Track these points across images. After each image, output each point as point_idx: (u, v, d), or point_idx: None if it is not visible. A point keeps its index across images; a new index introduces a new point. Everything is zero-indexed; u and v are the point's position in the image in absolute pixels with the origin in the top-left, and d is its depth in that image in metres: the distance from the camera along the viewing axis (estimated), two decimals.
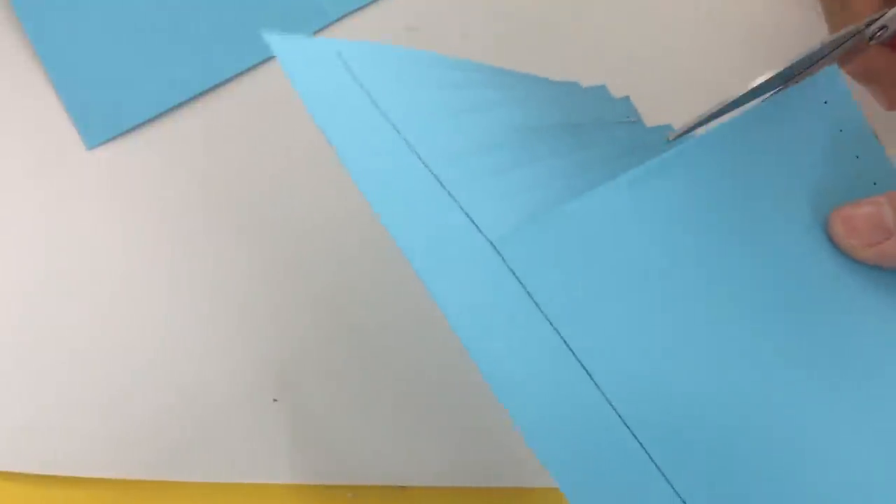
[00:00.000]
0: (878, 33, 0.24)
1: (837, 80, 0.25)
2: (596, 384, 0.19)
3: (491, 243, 0.20)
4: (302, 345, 0.32)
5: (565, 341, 0.20)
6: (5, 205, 0.33)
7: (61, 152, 0.34)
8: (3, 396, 0.31)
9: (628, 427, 0.19)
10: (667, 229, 0.22)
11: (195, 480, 0.31)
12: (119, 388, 0.31)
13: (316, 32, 0.35)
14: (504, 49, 0.35)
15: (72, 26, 0.35)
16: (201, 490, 0.31)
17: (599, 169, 0.24)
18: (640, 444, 0.19)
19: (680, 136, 0.25)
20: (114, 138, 0.34)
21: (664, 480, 0.19)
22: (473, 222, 0.20)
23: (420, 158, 0.21)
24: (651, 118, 0.33)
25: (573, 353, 0.20)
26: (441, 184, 0.21)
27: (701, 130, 0.25)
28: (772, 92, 0.25)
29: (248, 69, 0.35)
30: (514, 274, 0.20)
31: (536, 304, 0.20)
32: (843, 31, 0.24)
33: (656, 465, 0.19)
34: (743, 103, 0.24)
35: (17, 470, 0.31)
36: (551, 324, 0.20)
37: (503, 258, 0.20)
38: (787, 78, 0.24)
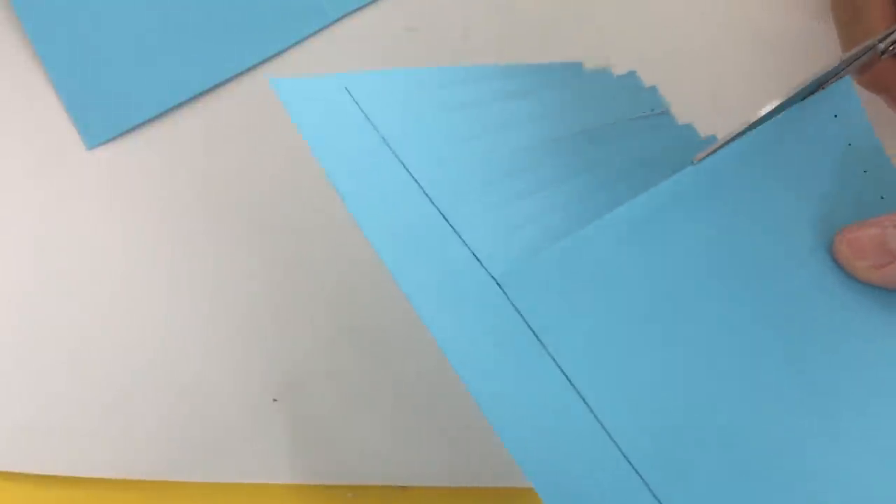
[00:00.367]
0: (892, 48, 0.25)
1: (850, 93, 0.24)
2: (599, 421, 0.19)
3: (494, 279, 0.20)
4: (302, 345, 0.32)
5: (569, 378, 0.20)
6: (5, 205, 0.33)
7: (61, 152, 0.34)
8: (3, 396, 0.31)
9: (632, 464, 0.19)
10: (670, 257, 0.22)
11: (195, 480, 0.31)
12: (119, 388, 0.31)
13: (316, 32, 0.35)
14: (505, 49, 0.35)
15: (72, 26, 0.35)
16: (201, 490, 0.31)
17: (613, 187, 0.23)
18: (646, 483, 0.19)
19: (706, 156, 0.25)
20: (114, 138, 0.34)
21: None
22: (477, 258, 0.20)
23: (426, 194, 0.21)
24: None
25: (576, 390, 0.19)
26: (446, 220, 0.21)
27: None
28: (785, 108, 0.25)
29: (249, 69, 0.35)
30: (517, 310, 0.20)
31: (540, 341, 0.20)
32: (856, 49, 0.24)
33: (659, 501, 0.19)
34: (765, 121, 0.24)
35: (17, 470, 0.31)
36: (555, 361, 0.20)
37: (506, 294, 0.20)
38: (805, 95, 0.24)
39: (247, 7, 0.35)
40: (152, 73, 0.34)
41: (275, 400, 0.32)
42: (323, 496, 0.31)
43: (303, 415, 0.31)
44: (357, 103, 0.22)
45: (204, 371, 0.32)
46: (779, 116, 0.24)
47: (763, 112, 0.24)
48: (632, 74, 0.28)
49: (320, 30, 0.35)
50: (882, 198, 0.24)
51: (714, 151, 0.24)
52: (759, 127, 0.24)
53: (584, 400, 0.19)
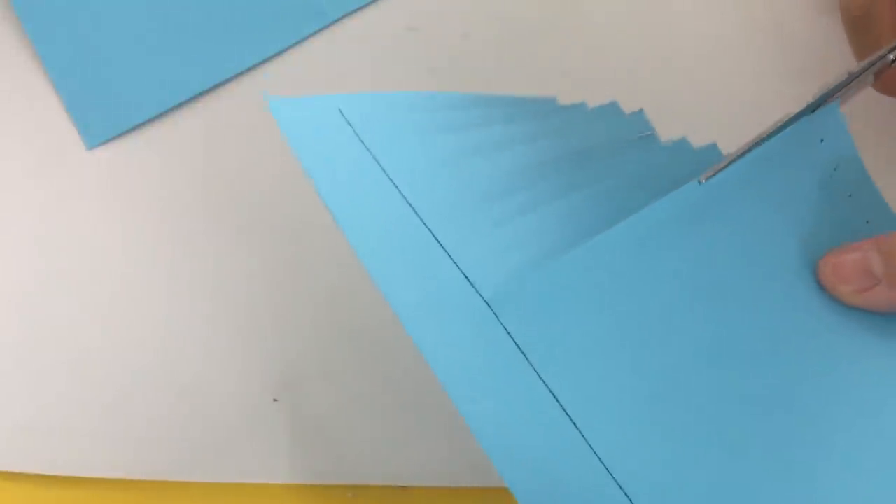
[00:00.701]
0: None
1: (836, 118, 0.25)
2: (587, 441, 0.19)
3: (485, 301, 0.20)
4: (303, 344, 0.32)
5: (558, 399, 0.20)
6: (5, 205, 0.33)
7: (61, 152, 0.34)
8: (3, 396, 0.31)
9: (619, 485, 0.19)
10: (658, 279, 0.22)
11: (195, 480, 0.31)
12: (119, 388, 0.31)
13: (316, 32, 0.35)
14: (505, 49, 0.35)
15: (72, 26, 0.35)
16: (201, 490, 0.31)
17: (605, 206, 0.24)
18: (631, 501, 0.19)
19: (713, 175, 0.25)
20: (114, 138, 0.34)
21: None
22: (468, 279, 0.20)
23: (418, 215, 0.21)
24: (659, 123, 0.33)
25: (565, 411, 0.20)
26: (438, 240, 0.21)
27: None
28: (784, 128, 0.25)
29: (249, 69, 0.35)
30: (507, 332, 0.20)
31: (529, 363, 0.20)
32: (867, 60, 0.25)
33: None
34: (775, 134, 0.24)
35: (17, 470, 0.31)
36: (544, 382, 0.20)
37: (496, 316, 0.20)
38: (815, 107, 0.25)
39: (247, 7, 0.35)
40: (152, 73, 0.34)
41: (275, 400, 0.32)
42: (323, 496, 0.31)
43: (303, 415, 0.31)
44: (350, 124, 0.22)
45: (204, 371, 0.32)
46: (768, 142, 0.24)
47: (761, 133, 0.24)
48: (613, 105, 0.28)
49: (320, 30, 0.35)
50: (867, 222, 0.25)
51: (724, 167, 0.24)
52: (748, 152, 0.24)
53: (572, 420, 0.20)
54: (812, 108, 0.24)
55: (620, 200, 0.23)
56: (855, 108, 0.28)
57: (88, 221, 0.33)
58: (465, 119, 0.25)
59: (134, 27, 0.35)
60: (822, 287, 0.23)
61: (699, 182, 0.23)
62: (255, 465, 0.31)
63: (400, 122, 0.23)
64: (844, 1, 0.30)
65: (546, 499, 0.19)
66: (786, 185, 0.24)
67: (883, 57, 0.25)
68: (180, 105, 0.34)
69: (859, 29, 0.30)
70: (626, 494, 0.19)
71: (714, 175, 0.23)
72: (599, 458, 0.19)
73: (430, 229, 0.21)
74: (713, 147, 0.26)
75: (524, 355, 0.20)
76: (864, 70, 0.25)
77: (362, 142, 0.22)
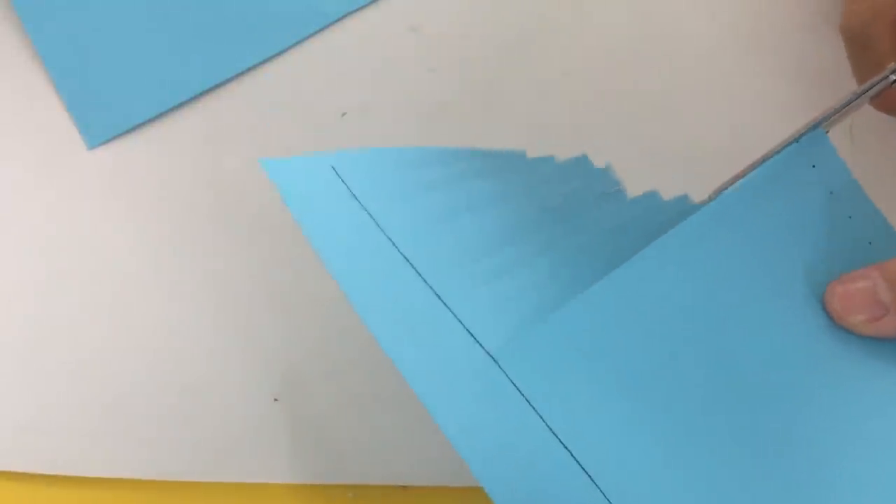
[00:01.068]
0: None
1: (824, 143, 0.25)
2: (601, 490, 0.20)
3: (490, 355, 0.21)
4: (303, 344, 0.32)
5: (569, 449, 0.20)
6: (6, 205, 0.33)
7: (62, 152, 0.34)
8: (3, 396, 0.31)
9: None
10: (660, 320, 0.22)
11: (195, 480, 0.31)
12: (120, 387, 0.31)
13: (316, 32, 0.35)
14: (505, 49, 0.35)
15: (73, 26, 0.35)
16: (201, 490, 0.31)
17: (594, 255, 0.24)
18: None
19: (717, 193, 0.25)
20: (115, 138, 0.34)
21: None
22: (471, 334, 0.21)
23: (418, 273, 0.21)
24: (658, 124, 0.33)
25: (577, 461, 0.20)
26: (439, 297, 0.21)
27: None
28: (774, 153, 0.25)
29: (249, 69, 0.35)
30: (514, 385, 0.20)
31: (538, 414, 0.20)
32: (868, 83, 0.25)
33: None
34: (764, 161, 0.25)
35: (17, 470, 0.31)
36: (553, 432, 0.20)
37: (502, 370, 0.20)
38: (801, 135, 0.25)
39: (247, 7, 0.35)
40: (153, 73, 0.34)
41: (275, 400, 0.32)
42: (323, 496, 0.31)
43: (303, 415, 0.31)
44: (343, 182, 0.22)
45: (204, 371, 0.32)
46: (759, 169, 0.24)
47: (752, 162, 0.24)
48: (582, 159, 0.29)
49: (320, 30, 0.35)
50: (870, 243, 0.25)
51: (726, 187, 0.24)
52: (742, 181, 0.24)
53: (584, 470, 0.20)
54: (798, 137, 0.25)
55: (606, 251, 0.24)
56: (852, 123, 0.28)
57: (89, 221, 0.33)
58: (447, 174, 0.25)
59: (134, 27, 0.35)
60: (829, 316, 0.23)
61: (701, 204, 0.23)
62: (255, 465, 0.31)
63: (390, 179, 0.24)
64: (844, 21, 0.30)
65: None
66: (782, 212, 0.24)
67: (884, 78, 0.25)
68: (180, 105, 0.34)
69: (859, 48, 0.30)
70: None
71: (709, 201, 0.24)
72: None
73: (429, 285, 0.21)
74: (683, 199, 0.26)
75: (533, 408, 0.20)
76: (866, 92, 0.25)
77: (357, 199, 0.22)
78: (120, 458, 0.31)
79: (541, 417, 0.20)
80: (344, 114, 0.34)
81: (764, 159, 0.24)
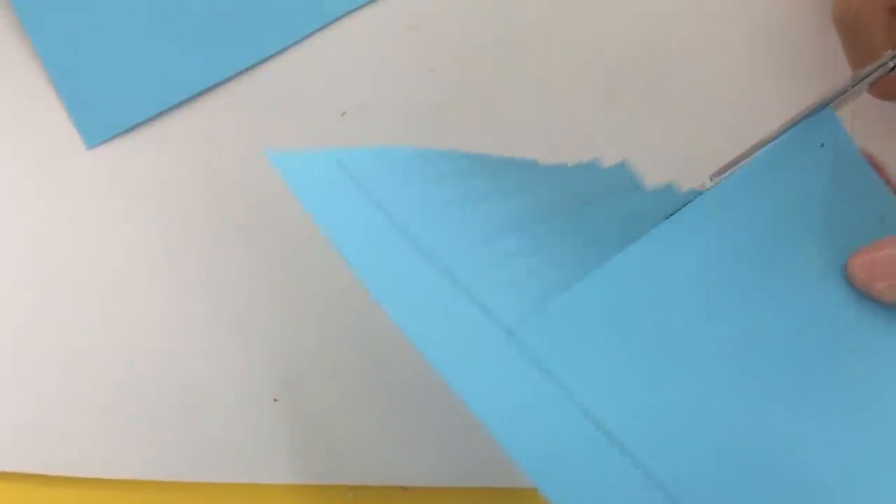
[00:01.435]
0: None
1: (834, 122, 0.25)
2: (630, 455, 0.20)
3: (508, 331, 0.21)
4: (303, 344, 0.32)
5: (593, 417, 0.20)
6: (5, 204, 0.33)
7: (61, 151, 0.34)
8: (3, 396, 0.31)
9: (670, 493, 0.19)
10: (681, 291, 0.22)
11: (195, 480, 0.31)
12: (119, 388, 0.31)
13: (316, 31, 0.35)
14: (505, 48, 0.35)
15: (72, 25, 0.34)
16: (201, 490, 0.31)
17: (611, 237, 0.24)
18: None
19: (719, 176, 0.25)
20: (114, 137, 0.34)
21: None
22: (489, 311, 0.21)
23: (430, 255, 0.21)
24: (658, 122, 0.33)
25: (603, 428, 0.20)
26: (453, 278, 0.21)
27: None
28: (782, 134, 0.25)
29: (248, 68, 0.35)
30: (534, 359, 0.20)
31: (561, 386, 0.20)
32: (869, 68, 0.25)
33: None
34: (773, 140, 0.25)
35: (17, 470, 0.31)
36: (578, 403, 0.20)
37: (522, 344, 0.21)
38: (810, 114, 0.25)
39: (247, 7, 0.35)
40: (152, 73, 0.34)
41: (275, 400, 0.32)
42: (323, 496, 0.31)
43: (303, 415, 0.31)
44: (350, 174, 0.23)
45: (204, 371, 0.32)
46: (770, 146, 0.25)
47: (761, 139, 0.24)
48: (594, 163, 0.29)
49: (320, 29, 0.35)
50: (882, 220, 0.25)
51: (727, 170, 0.24)
52: (753, 157, 0.24)
53: (612, 437, 0.20)
54: (807, 115, 0.25)
55: (623, 234, 0.24)
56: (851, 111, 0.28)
57: (88, 221, 0.33)
58: (461, 168, 0.25)
59: (134, 26, 0.35)
60: (852, 285, 0.23)
61: (709, 180, 0.23)
62: (255, 465, 0.31)
63: (397, 172, 0.24)
64: (836, 10, 0.30)
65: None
66: (796, 189, 0.25)
67: (882, 65, 0.25)
68: (180, 105, 0.34)
69: (851, 37, 0.30)
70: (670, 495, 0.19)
71: (720, 178, 0.24)
72: (646, 471, 0.20)
73: (445, 268, 0.21)
74: (695, 193, 0.26)
75: (555, 379, 0.20)
76: (864, 78, 0.25)
77: (364, 190, 0.22)
78: (119, 458, 0.31)
79: (564, 388, 0.20)
80: (343, 113, 0.34)
81: (771, 139, 0.25)
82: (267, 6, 0.35)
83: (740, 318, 0.22)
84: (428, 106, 0.34)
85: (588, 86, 0.35)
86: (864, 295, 0.23)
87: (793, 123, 0.25)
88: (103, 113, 0.34)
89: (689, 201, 0.24)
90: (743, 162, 0.25)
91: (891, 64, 0.25)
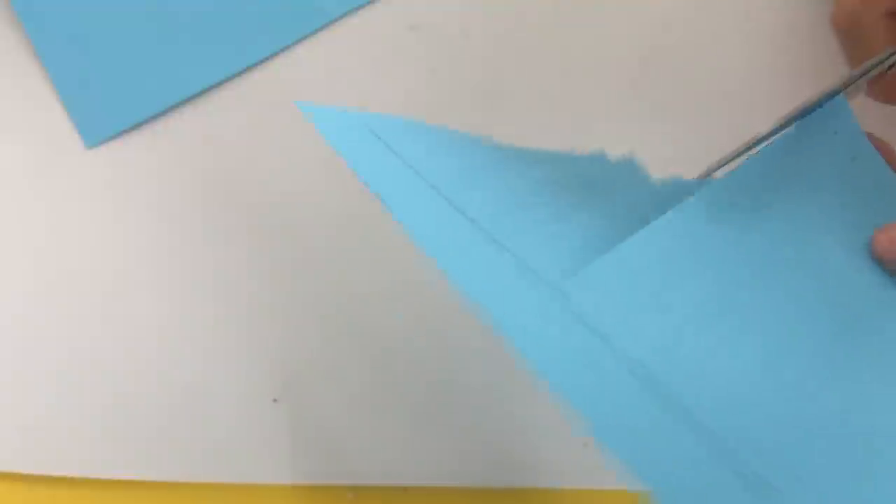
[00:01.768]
0: None
1: (845, 111, 0.26)
2: (686, 409, 0.20)
3: (556, 288, 0.21)
4: (303, 345, 0.32)
5: (642, 375, 0.20)
6: (4, 204, 0.33)
7: (61, 151, 0.34)
8: (3, 396, 0.31)
9: (724, 445, 0.20)
10: (720, 259, 0.23)
11: (195, 480, 0.31)
12: (120, 387, 0.31)
13: (317, 31, 0.35)
14: (505, 48, 0.35)
15: (71, 25, 0.34)
16: (201, 490, 0.31)
17: (647, 206, 0.24)
18: (741, 468, 0.19)
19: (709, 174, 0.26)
20: (113, 137, 0.34)
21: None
22: (532, 269, 0.21)
23: (467, 216, 0.22)
24: (658, 120, 0.33)
25: (651, 384, 0.20)
26: (494, 237, 0.22)
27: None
28: (791, 122, 0.26)
29: (249, 67, 0.35)
30: (580, 316, 0.21)
31: (608, 344, 0.20)
32: (864, 65, 0.25)
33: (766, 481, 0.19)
34: (770, 136, 0.25)
35: (17, 470, 0.31)
36: (623, 360, 0.20)
37: (569, 300, 0.21)
38: (823, 102, 0.25)
39: (247, 6, 0.35)
40: (152, 72, 0.34)
41: (275, 400, 0.32)
42: (323, 496, 0.31)
43: (303, 415, 0.31)
44: (379, 137, 0.23)
45: (204, 371, 0.32)
46: (786, 132, 0.25)
47: (771, 127, 0.25)
48: (601, 154, 0.29)
49: (320, 29, 0.35)
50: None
51: (721, 165, 0.25)
52: (770, 142, 0.25)
53: (660, 391, 0.20)
54: (821, 103, 0.25)
55: (659, 204, 0.24)
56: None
57: (87, 220, 0.33)
58: (471, 143, 0.25)
59: (133, 26, 0.35)
60: (880, 262, 0.24)
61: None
62: (255, 465, 0.31)
63: (424, 140, 0.24)
64: (835, 13, 0.30)
65: (653, 463, 0.19)
66: (812, 175, 0.25)
67: (880, 63, 0.25)
68: (180, 104, 0.34)
69: (852, 40, 0.30)
70: (737, 458, 0.19)
71: (719, 167, 0.25)
72: (702, 426, 0.20)
73: (484, 229, 0.22)
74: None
75: (601, 337, 0.21)
76: (863, 74, 0.25)
77: (396, 153, 0.23)
78: (120, 458, 0.31)
79: (609, 345, 0.20)
80: None
81: (778, 126, 0.25)
82: (267, 6, 0.35)
83: (782, 286, 0.23)
84: (428, 106, 0.34)
85: (589, 86, 0.35)
86: (888, 269, 0.24)
87: (809, 109, 0.25)
88: (102, 113, 0.34)
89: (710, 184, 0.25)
90: (745, 155, 0.25)
91: (893, 59, 0.26)
